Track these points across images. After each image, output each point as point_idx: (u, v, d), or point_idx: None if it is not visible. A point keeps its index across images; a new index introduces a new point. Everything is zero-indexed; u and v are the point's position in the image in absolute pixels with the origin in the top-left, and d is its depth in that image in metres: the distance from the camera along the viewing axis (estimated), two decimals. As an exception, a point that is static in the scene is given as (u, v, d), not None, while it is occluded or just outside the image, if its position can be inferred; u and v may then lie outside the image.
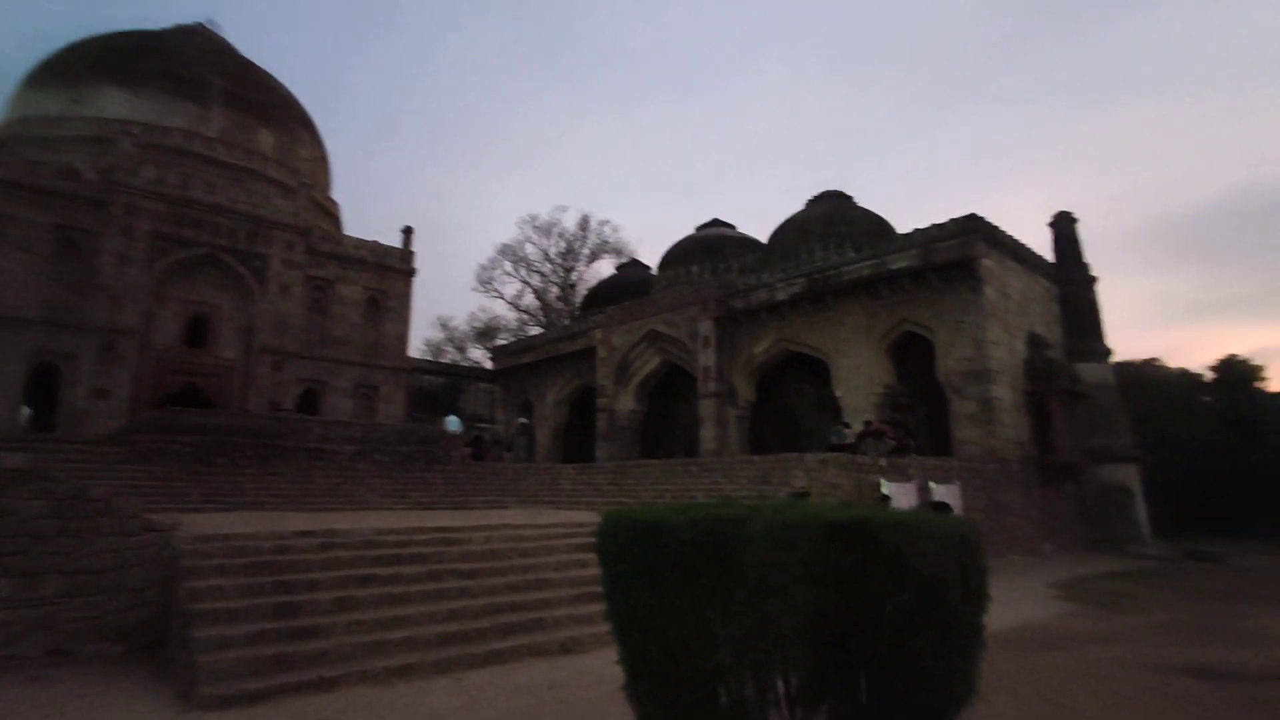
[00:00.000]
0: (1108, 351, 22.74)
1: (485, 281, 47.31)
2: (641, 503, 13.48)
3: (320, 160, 32.15)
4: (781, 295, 23.26)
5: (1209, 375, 42.90)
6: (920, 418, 21.40)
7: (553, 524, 10.61)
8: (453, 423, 24.56)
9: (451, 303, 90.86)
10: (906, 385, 21.65)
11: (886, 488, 13.85)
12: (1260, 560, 19.33)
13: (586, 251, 47.34)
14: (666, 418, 28.63)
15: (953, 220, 19.88)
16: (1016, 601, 10.84)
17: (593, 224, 47.62)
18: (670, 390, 28.22)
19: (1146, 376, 41.34)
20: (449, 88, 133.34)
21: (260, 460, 17.89)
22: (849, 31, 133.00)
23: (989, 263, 19.57)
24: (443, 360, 45.58)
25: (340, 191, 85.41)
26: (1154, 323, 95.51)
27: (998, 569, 13.11)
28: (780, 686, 3.28)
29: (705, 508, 3.35)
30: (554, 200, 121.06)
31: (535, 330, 42.84)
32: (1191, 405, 40.37)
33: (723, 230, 31.72)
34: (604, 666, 5.86)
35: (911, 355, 21.44)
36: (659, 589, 3.21)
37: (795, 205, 32.07)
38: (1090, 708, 5.50)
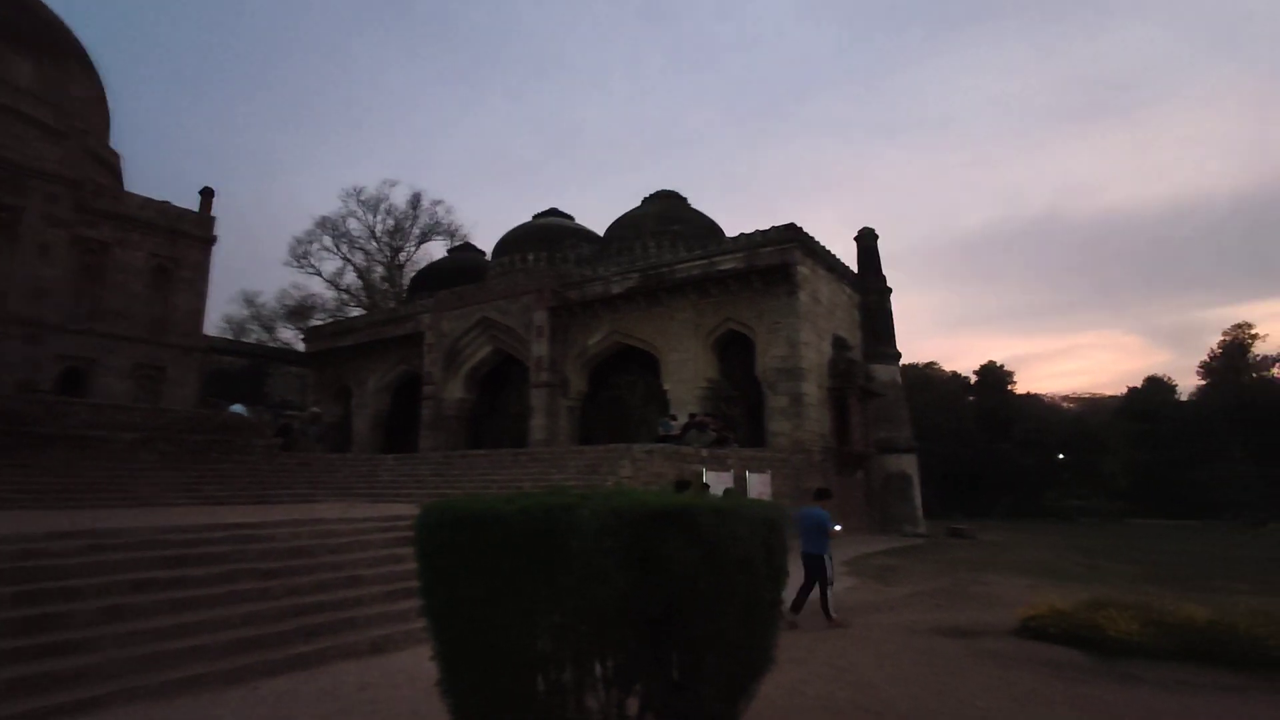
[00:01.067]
0: (898, 355, 25.69)
1: (300, 256, 43.48)
2: (467, 494, 13.13)
3: (97, 101, 27.59)
4: (616, 289, 23.70)
5: (973, 378, 50.22)
6: (741, 411, 22.87)
7: (368, 518, 10.03)
8: (237, 410, 22.09)
9: (260, 277, 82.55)
10: (729, 380, 23.02)
11: (707, 476, 14.65)
12: (1001, 535, 22.96)
13: (417, 231, 45.10)
14: (496, 407, 28.12)
15: (775, 228, 21.39)
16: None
17: (425, 203, 45.42)
18: (501, 379, 27.74)
19: (926, 377, 47.36)
20: (270, 40, 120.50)
21: (6, 450, 15.13)
22: (689, 40, 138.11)
23: (804, 269, 21.30)
24: (247, 340, 41.27)
25: (128, 144, 74.23)
26: (933, 330, 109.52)
27: (799, 549, 14.31)
28: (599, 670, 3.38)
29: (536, 497, 3.36)
30: (383, 175, 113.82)
31: (357, 312, 40.13)
32: (959, 403, 46.87)
33: (561, 220, 31.67)
34: (418, 664, 5.67)
35: (734, 352, 22.83)
36: (483, 580, 3.17)
37: (632, 202, 32.83)
38: (865, 668, 6.23)
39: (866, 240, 25.89)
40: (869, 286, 25.45)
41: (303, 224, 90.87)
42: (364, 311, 38.80)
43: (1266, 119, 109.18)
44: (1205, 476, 37.94)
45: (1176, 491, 39.27)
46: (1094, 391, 59.94)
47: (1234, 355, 44.66)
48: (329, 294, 44.22)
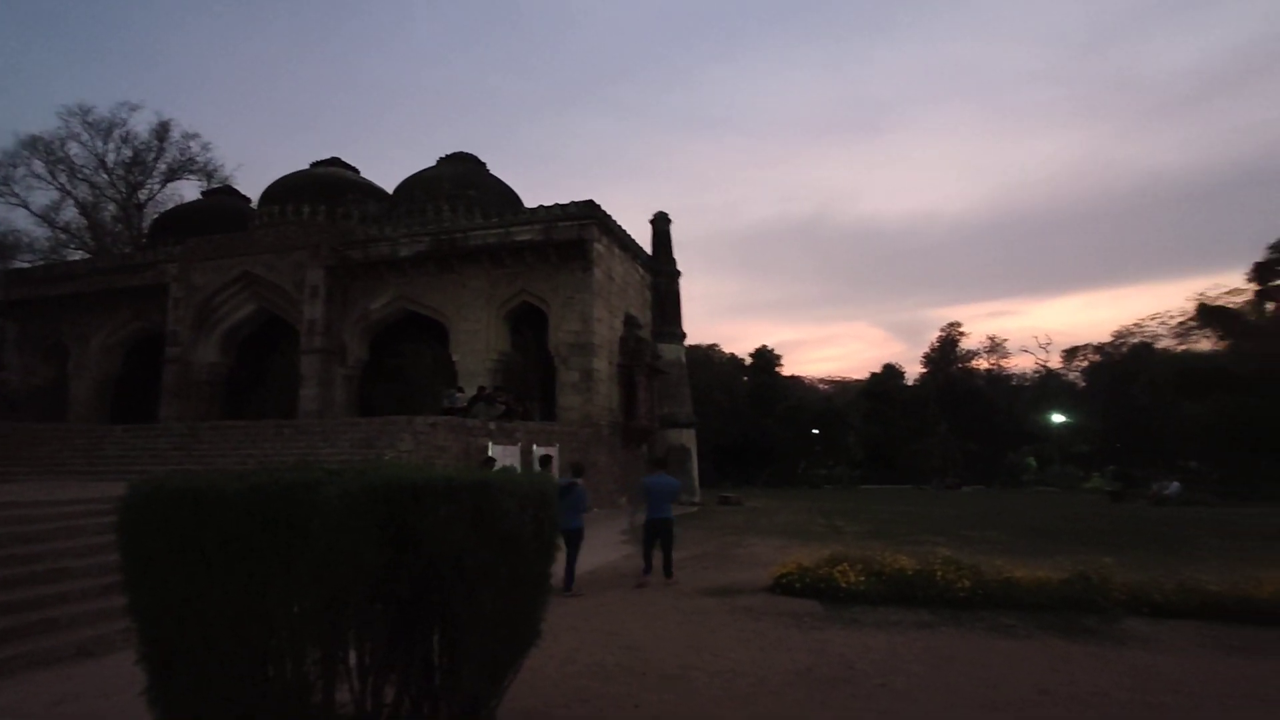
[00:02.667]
0: (683, 335, 27.20)
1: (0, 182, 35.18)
2: (217, 471, 11.60)
3: None
4: (405, 252, 22.28)
5: (748, 360, 55.01)
6: (532, 385, 22.77)
7: (79, 499, 8.45)
8: None
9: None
10: (522, 353, 22.78)
11: (493, 450, 14.38)
12: (763, 502, 25.47)
13: (163, 167, 38.50)
14: (261, 375, 25.19)
15: (574, 203, 21.42)
16: (591, 550, 12.27)
17: (175, 135, 38.84)
18: (266, 343, 24.88)
19: (707, 357, 50.89)
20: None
21: None
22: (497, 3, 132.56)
23: (600, 247, 21.63)
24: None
25: None
26: (715, 314, 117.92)
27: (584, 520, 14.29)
28: (353, 658, 3.11)
29: (273, 473, 2.97)
30: (120, 95, 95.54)
31: (79, 255, 33.51)
32: (734, 383, 51.05)
33: (344, 172, 28.93)
34: (134, 667, 4.86)
35: (528, 325, 22.61)
36: (204, 570, 2.74)
37: (425, 161, 30.97)
38: (635, 632, 6.51)
39: (660, 224, 26.95)
40: (660, 268, 26.56)
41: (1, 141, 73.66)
42: (89, 256, 32.48)
43: (991, 150, 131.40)
44: (920, 448, 45.22)
45: (899, 461, 46.40)
46: (844, 375, 68.59)
47: (947, 349, 53.60)
48: (40, 231, 36.36)
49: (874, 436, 48.84)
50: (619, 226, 23.12)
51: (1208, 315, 39.16)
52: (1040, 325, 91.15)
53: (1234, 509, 21.86)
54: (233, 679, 2.76)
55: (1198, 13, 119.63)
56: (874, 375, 55.56)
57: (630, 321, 23.53)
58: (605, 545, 12.82)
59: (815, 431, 48.69)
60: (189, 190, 37.85)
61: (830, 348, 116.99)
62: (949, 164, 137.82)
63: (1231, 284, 43.13)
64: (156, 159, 38.16)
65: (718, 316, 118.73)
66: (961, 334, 53.75)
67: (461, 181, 25.88)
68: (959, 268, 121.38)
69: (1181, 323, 41.33)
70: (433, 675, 3.09)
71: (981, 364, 53.53)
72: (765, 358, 53.03)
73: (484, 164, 27.90)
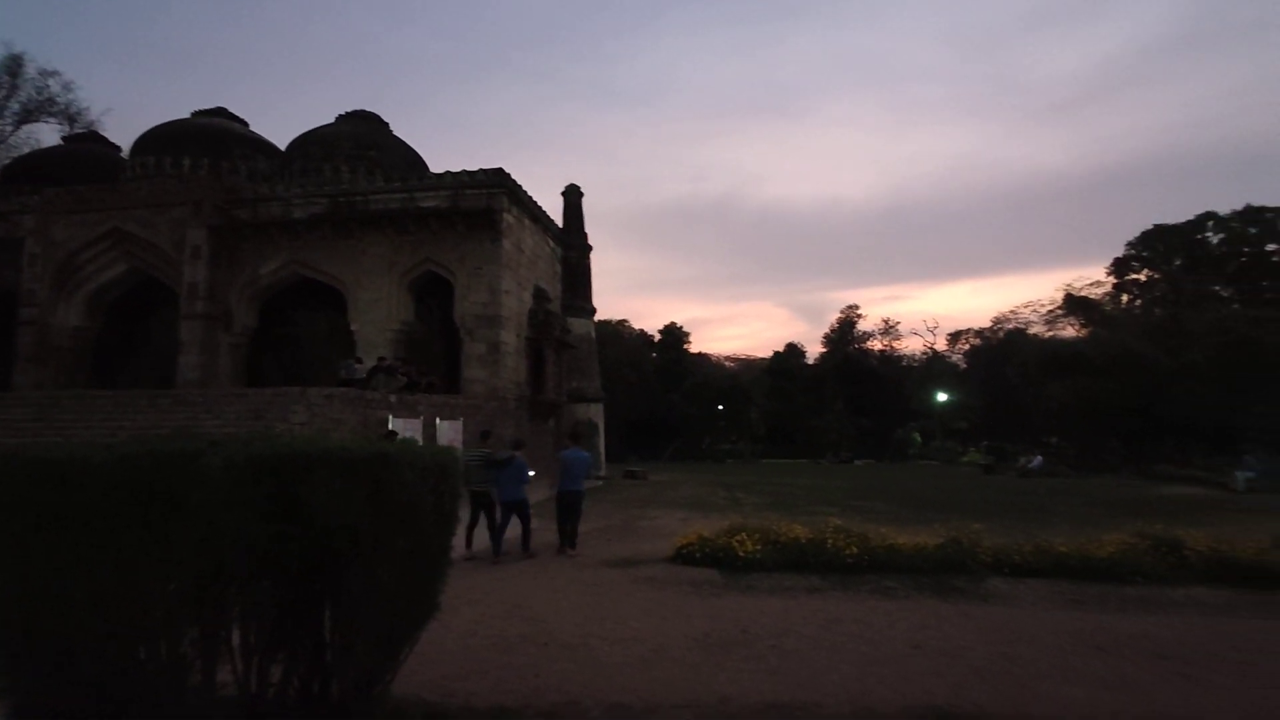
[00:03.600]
0: (593, 310, 27.14)
1: None
2: (82, 443, 10.65)
3: None
4: (300, 213, 20.95)
5: (657, 336, 55.62)
6: (436, 357, 22.13)
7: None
8: None
9: None
10: (426, 324, 22.07)
11: (394, 423, 13.93)
12: (667, 476, 26.02)
13: (15, 107, 34.32)
14: (133, 341, 23.20)
15: (483, 170, 20.78)
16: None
17: (31, 71, 34.66)
18: (140, 307, 22.89)
19: (617, 333, 51.07)
20: None
21: None
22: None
23: (510, 217, 21.15)
24: None
25: None
26: (626, 290, 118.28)
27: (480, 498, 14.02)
28: (236, 636, 2.97)
29: (148, 443, 2.77)
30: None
31: (-90, 200, 29.50)
32: (643, 358, 51.52)
33: (230, 124, 26.76)
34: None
35: (433, 295, 21.89)
36: (66, 546, 2.54)
37: (322, 117, 29.13)
38: (538, 604, 6.55)
39: (572, 196, 26.64)
40: (571, 242, 26.30)
41: None
42: (-78, 202, 28.67)
43: (891, 141, 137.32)
44: (818, 424, 47.36)
45: (798, 436, 48.43)
46: (749, 353, 70.47)
47: (845, 330, 56.14)
48: None
49: (776, 413, 50.69)
50: (529, 197, 22.67)
51: (1073, 305, 42.95)
52: (930, 310, 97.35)
53: (1085, 480, 24.25)
54: (99, 663, 2.58)
55: (1075, 25, 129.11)
56: (777, 354, 57.46)
57: (539, 294, 23.24)
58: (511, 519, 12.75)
59: (720, 408, 49.99)
60: (47, 135, 34.03)
61: (737, 326, 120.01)
62: (853, 152, 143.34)
63: (1095, 277, 47.53)
64: (8, 97, 33.96)
65: (628, 292, 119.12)
66: (859, 316, 56.43)
67: (362, 141, 24.52)
68: (860, 253, 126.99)
69: (1051, 311, 45.17)
70: (324, 652, 3.00)
71: (876, 345, 56.49)
72: (674, 335, 53.78)
73: (386, 124, 26.55)
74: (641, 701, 4.11)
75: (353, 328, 20.90)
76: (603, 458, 25.27)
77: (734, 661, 4.92)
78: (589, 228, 26.95)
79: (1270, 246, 44.05)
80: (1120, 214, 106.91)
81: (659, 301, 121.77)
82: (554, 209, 25.84)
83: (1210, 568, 7.29)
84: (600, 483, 21.90)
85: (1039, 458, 28.38)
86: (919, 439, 49.48)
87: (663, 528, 11.39)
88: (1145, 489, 20.25)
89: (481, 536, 9.39)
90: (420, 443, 12.05)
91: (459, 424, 16.20)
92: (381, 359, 17.49)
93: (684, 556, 8.30)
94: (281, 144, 26.01)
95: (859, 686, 4.41)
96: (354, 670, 3.07)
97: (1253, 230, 44.53)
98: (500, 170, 20.63)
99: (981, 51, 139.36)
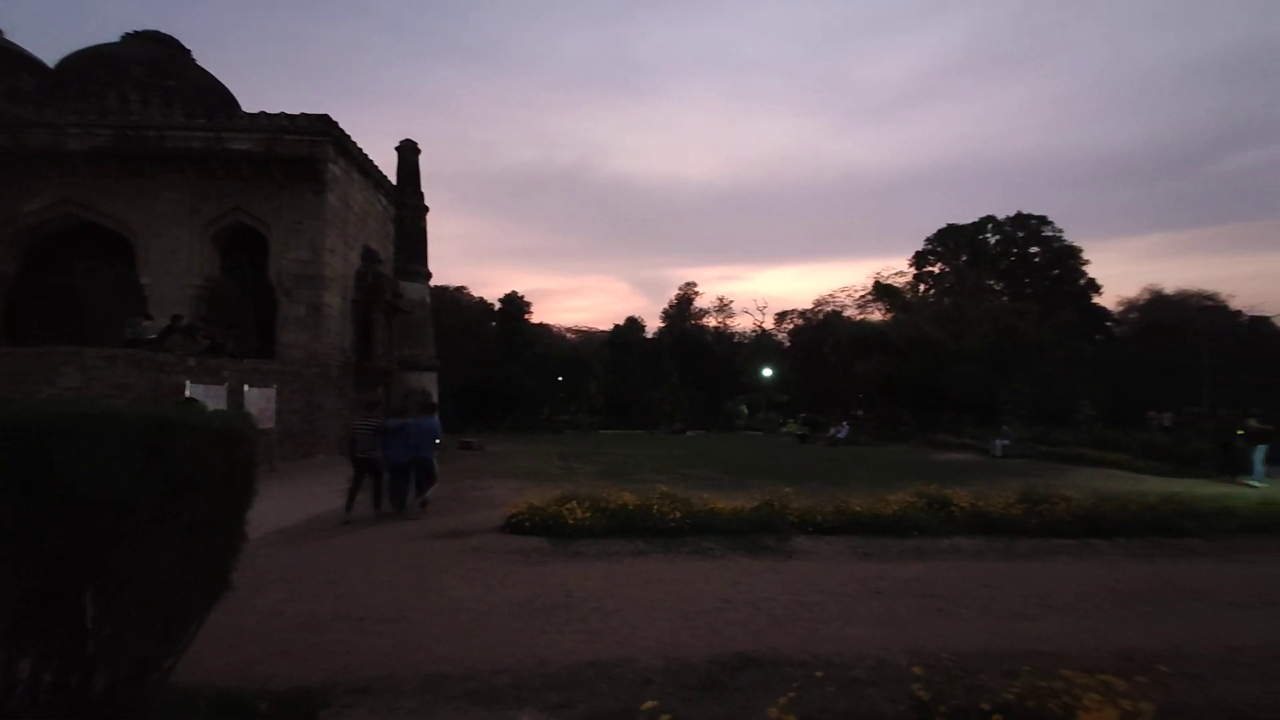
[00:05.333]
0: (429, 274, 25.92)
1: None
2: None
3: None
4: (76, 145, 17.96)
5: (497, 305, 54.40)
6: (246, 318, 20.09)
7: None
8: None
9: None
10: (234, 280, 19.94)
11: (192, 390, 12.51)
12: (504, 447, 25.73)
13: None
14: None
15: (305, 116, 18.96)
16: (315, 496, 11.46)
17: None
18: None
19: (455, 300, 49.30)
20: None
21: None
22: None
23: (336, 169, 19.55)
24: None
25: None
26: (466, 256, 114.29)
27: (307, 467, 13.51)
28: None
29: None
30: None
31: None
32: (482, 327, 50.23)
33: (-21, 28, 22.18)
34: None
35: (244, 249, 19.79)
36: None
37: (104, 34, 24.98)
38: (354, 578, 6.26)
39: (408, 153, 25.10)
40: (406, 201, 24.86)
41: None
42: None
43: (731, 126, 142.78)
44: (654, 396, 48.97)
45: (635, 407, 49.78)
46: (591, 326, 71.05)
47: (683, 306, 58.35)
48: None
49: (614, 384, 51.69)
50: (359, 150, 21.08)
51: (880, 292, 47.69)
52: (761, 290, 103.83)
53: (883, 448, 27.24)
54: None
55: (895, 37, 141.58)
56: (617, 327, 58.45)
57: (369, 255, 21.81)
58: (329, 492, 12.00)
59: (560, 379, 50.08)
60: None
61: (580, 298, 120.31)
62: (696, 133, 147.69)
63: (899, 267, 53.10)
64: None
65: (469, 259, 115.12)
66: (696, 293, 58.87)
67: (158, 68, 21.39)
68: (699, 232, 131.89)
69: (862, 296, 49.94)
70: (85, 640, 2.67)
71: (711, 322, 59.30)
72: (515, 304, 52.89)
73: (188, 51, 23.34)
74: (460, 670, 4.08)
75: (143, 281, 18.47)
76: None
77: (556, 625, 5.02)
78: (426, 188, 25.61)
79: (1033, 249, 51.61)
80: (922, 212, 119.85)
81: (501, 270, 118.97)
82: (388, 166, 24.24)
83: (970, 520, 8.52)
84: (435, 453, 21.15)
85: (845, 428, 31.37)
86: (746, 411, 52.77)
87: (494, 498, 11.27)
88: (928, 455, 23.14)
89: (364, 501, 9.81)
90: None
91: (272, 392, 14.90)
92: (177, 317, 15.60)
93: (513, 526, 8.28)
94: (51, 61, 22.05)
95: (672, 640, 4.68)
96: (124, 659, 2.75)
97: (1020, 234, 51.89)
98: (326, 117, 18.97)
99: (817, 50, 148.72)
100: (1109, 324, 49.60)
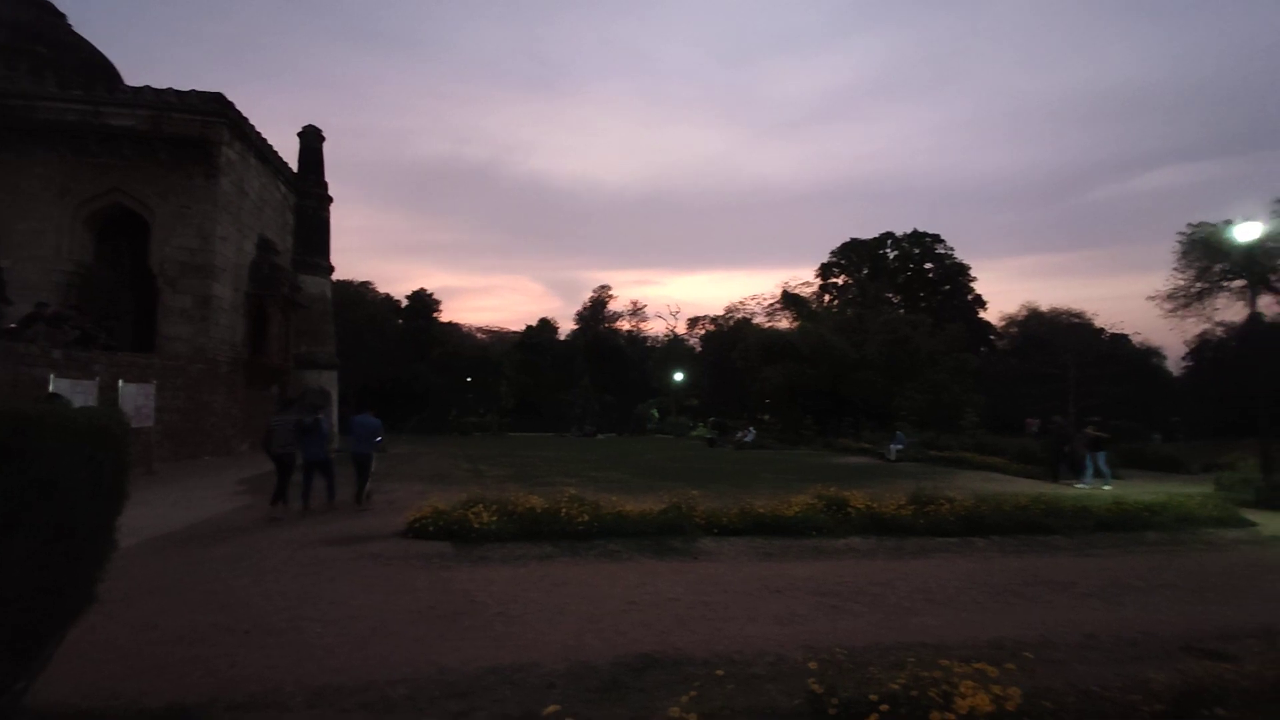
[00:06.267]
0: (331, 268, 24.77)
1: None
2: None
3: None
4: (-82, 108, 16.07)
5: (404, 302, 52.65)
6: (123, 308, 18.54)
7: None
8: None
9: None
10: (109, 267, 18.37)
11: (57, 385, 11.42)
12: (409, 449, 24.89)
13: None
14: None
15: (197, 93, 17.76)
16: (200, 501, 10.73)
17: None
18: None
19: (360, 296, 47.30)
20: None
21: None
22: None
23: (231, 153, 18.40)
24: None
25: None
26: (373, 251, 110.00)
27: (191, 470, 12.75)
28: None
29: None
30: None
31: None
32: (388, 325, 48.48)
33: None
34: None
35: (123, 234, 18.28)
36: None
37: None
38: (242, 587, 5.90)
39: (311, 139, 23.93)
40: (308, 190, 23.69)
41: None
42: None
43: (648, 132, 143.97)
44: (565, 398, 48.72)
45: (546, 409, 49.38)
46: (502, 326, 69.94)
47: (597, 309, 58.35)
48: None
49: (525, 386, 51.07)
50: (258, 134, 19.93)
51: (788, 300, 49.42)
52: (674, 295, 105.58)
53: (787, 451, 28.20)
54: None
55: (804, 55, 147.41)
56: (530, 328, 57.82)
57: (266, 245, 20.63)
58: (215, 497, 11.28)
59: (469, 379, 49.02)
60: None
61: (492, 298, 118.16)
62: (615, 137, 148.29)
63: (806, 277, 55.21)
64: None
65: (376, 253, 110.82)
66: (611, 296, 59.01)
67: (26, 32, 19.45)
68: (615, 235, 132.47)
69: (771, 304, 51.57)
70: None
71: (624, 325, 59.63)
72: (423, 301, 51.39)
73: (63, 16, 21.38)
74: (354, 681, 3.92)
75: (3, 264, 16.69)
76: (335, 430, 23.36)
77: (458, 632, 4.91)
78: (331, 177, 24.50)
79: (928, 265, 54.89)
80: (828, 225, 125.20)
81: (409, 266, 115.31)
82: (290, 152, 23.03)
83: (865, 521, 8.95)
84: (334, 455, 20.21)
85: (751, 432, 32.27)
86: (657, 414, 53.37)
87: (397, 501, 10.89)
88: (829, 458, 24.16)
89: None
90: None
91: (150, 388, 13.84)
92: (42, 305, 14.23)
93: (416, 531, 8.04)
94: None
95: (577, 643, 4.67)
96: (-35, 681, 2.49)
97: (917, 250, 55.08)
98: (221, 96, 17.85)
99: (733, 63, 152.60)
100: (992, 337, 53.44)
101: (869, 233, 56.45)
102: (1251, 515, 10.56)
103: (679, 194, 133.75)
